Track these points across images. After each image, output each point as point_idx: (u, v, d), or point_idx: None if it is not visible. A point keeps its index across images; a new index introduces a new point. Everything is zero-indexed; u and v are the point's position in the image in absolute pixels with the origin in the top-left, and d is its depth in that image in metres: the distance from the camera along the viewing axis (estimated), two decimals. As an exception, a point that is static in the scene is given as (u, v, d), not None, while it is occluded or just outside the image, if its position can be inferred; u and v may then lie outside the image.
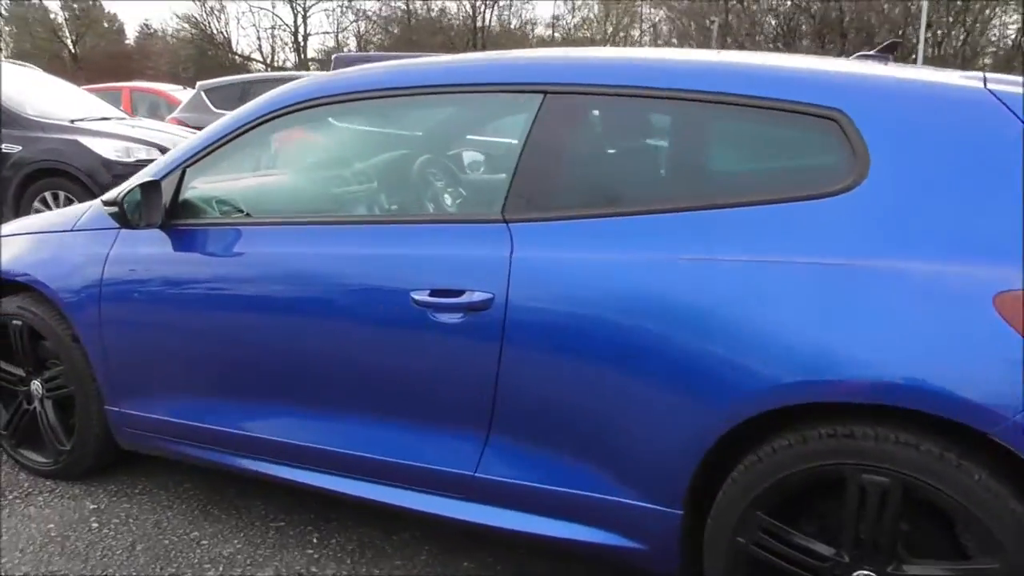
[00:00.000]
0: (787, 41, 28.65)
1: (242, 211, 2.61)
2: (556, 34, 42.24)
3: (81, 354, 2.81)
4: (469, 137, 3.19)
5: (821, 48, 27.02)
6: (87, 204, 3.00)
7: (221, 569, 2.46)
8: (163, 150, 7.65)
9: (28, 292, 2.91)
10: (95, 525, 2.72)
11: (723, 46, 28.91)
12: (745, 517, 1.85)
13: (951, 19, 27.51)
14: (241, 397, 2.51)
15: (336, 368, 2.32)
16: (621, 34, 43.87)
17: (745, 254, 1.86)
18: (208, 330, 2.50)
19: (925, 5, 22.79)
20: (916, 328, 1.69)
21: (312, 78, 2.62)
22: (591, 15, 43.37)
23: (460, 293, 2.08)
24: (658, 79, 2.06)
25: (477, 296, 2.06)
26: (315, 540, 2.62)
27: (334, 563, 2.49)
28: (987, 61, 29.00)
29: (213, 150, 2.60)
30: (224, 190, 2.69)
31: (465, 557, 2.51)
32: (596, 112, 2.13)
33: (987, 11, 28.06)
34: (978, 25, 28.41)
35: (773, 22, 29.97)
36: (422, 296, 2.12)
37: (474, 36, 32.81)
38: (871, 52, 2.41)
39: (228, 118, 2.63)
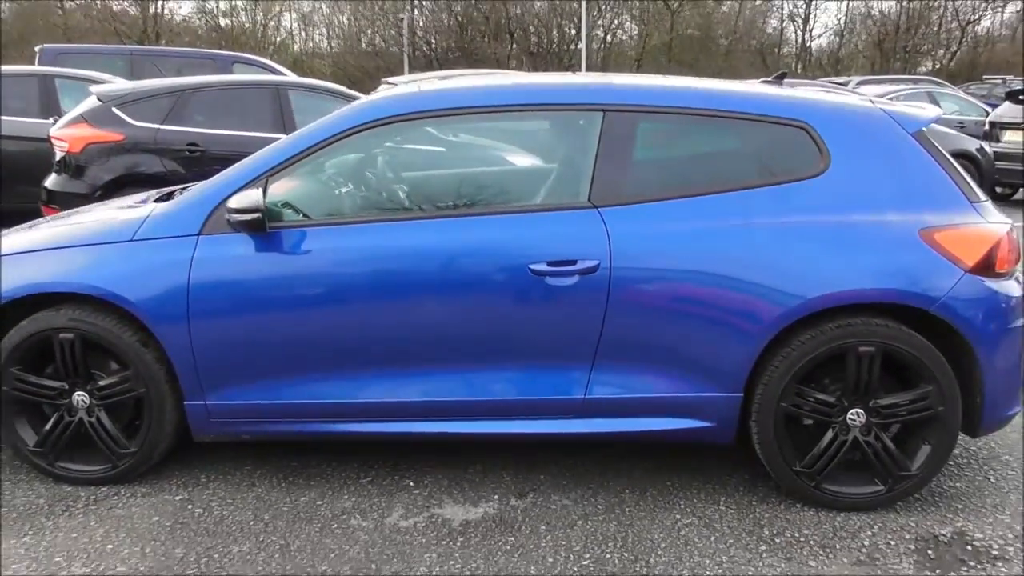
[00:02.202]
0: (462, 37, 31.16)
1: (332, 213, 3.03)
2: (202, 21, 40.17)
3: (153, 357, 2.98)
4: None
5: (496, 43, 30.25)
6: (131, 215, 3.13)
7: (359, 516, 2.90)
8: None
9: (77, 304, 2.98)
10: (199, 511, 2.95)
11: (412, 40, 30.47)
12: (786, 388, 2.85)
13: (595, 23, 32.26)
14: (354, 371, 2.94)
15: (457, 332, 2.89)
16: (272, 22, 43.05)
17: (768, 217, 2.85)
18: (324, 317, 2.90)
19: (584, 16, 26.30)
20: (878, 254, 2.82)
21: (390, 97, 3.09)
22: (238, 2, 41.86)
23: (573, 262, 2.81)
24: (690, 101, 2.97)
25: (589, 263, 2.81)
26: (411, 484, 3.14)
27: (447, 496, 3.05)
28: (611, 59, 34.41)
29: (296, 162, 2.98)
30: (303, 195, 3.05)
31: (542, 471, 3.22)
32: (646, 125, 2.97)
33: (613, 23, 34.01)
34: (610, 35, 34.18)
35: (446, 20, 32.34)
36: (540, 266, 2.81)
37: (145, 26, 30.54)
38: (769, 79, 3.53)
39: (307, 132, 3.02)
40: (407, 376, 2.95)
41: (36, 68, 9.81)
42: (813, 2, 39.82)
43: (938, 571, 2.60)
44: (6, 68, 9.48)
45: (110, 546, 2.72)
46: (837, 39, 41.38)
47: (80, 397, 3.06)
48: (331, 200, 3.18)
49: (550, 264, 2.82)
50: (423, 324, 2.91)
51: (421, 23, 33.01)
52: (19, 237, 3.34)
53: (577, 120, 3.04)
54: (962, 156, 9.58)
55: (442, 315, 2.89)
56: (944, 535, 2.81)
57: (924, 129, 3.02)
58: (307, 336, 2.93)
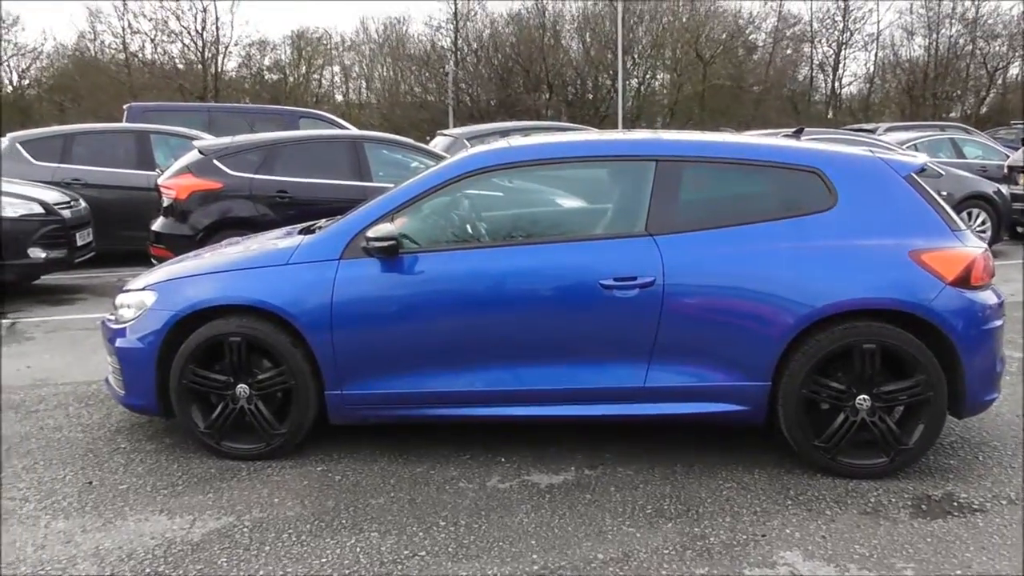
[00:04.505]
0: (503, 87, 32.80)
1: (436, 242, 3.84)
2: (246, 71, 41.83)
3: (301, 355, 3.79)
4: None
5: (535, 93, 31.99)
6: (283, 244, 3.98)
7: (465, 481, 3.66)
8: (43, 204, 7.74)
9: (245, 313, 3.80)
10: (338, 477, 3.73)
11: (456, 92, 32.08)
12: (806, 378, 3.58)
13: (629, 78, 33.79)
14: (461, 366, 3.72)
15: (541, 334, 3.67)
16: (315, 75, 44.78)
17: (789, 243, 3.61)
18: (434, 323, 3.69)
19: (620, 68, 27.64)
20: (876, 270, 3.56)
21: (487, 151, 3.94)
22: (283, 57, 43.63)
23: (634, 278, 3.59)
24: (725, 152, 3.78)
25: (647, 279, 3.59)
26: (503, 459, 3.89)
27: (532, 468, 3.80)
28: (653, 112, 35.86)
29: (414, 202, 3.82)
30: (414, 228, 3.86)
31: (607, 449, 3.96)
32: (690, 171, 3.77)
33: (647, 73, 35.53)
34: (644, 85, 35.72)
35: (486, 73, 34.01)
36: (608, 281, 3.60)
37: (206, 83, 32.49)
38: (789, 132, 4.32)
39: (423, 177, 3.88)
40: (498, 370, 3.72)
41: (133, 125, 10.92)
42: (842, 51, 40.73)
43: (928, 518, 3.29)
44: (109, 125, 10.62)
45: (276, 499, 3.51)
46: (867, 86, 42.18)
47: (242, 388, 3.87)
48: (435, 231, 3.98)
49: (616, 280, 3.60)
50: (512, 328, 3.69)
51: (462, 75, 34.67)
52: (186, 264, 4.21)
53: (636, 168, 3.84)
54: (980, 198, 10.24)
55: (528, 321, 3.67)
56: (936, 495, 3.50)
57: (914, 173, 3.78)
58: (420, 338, 3.71)
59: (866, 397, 3.59)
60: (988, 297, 3.64)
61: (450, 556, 3.02)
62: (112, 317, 4.15)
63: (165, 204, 7.79)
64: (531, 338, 3.69)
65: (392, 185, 4.78)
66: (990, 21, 37.95)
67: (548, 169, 3.99)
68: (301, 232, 4.21)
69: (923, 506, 3.41)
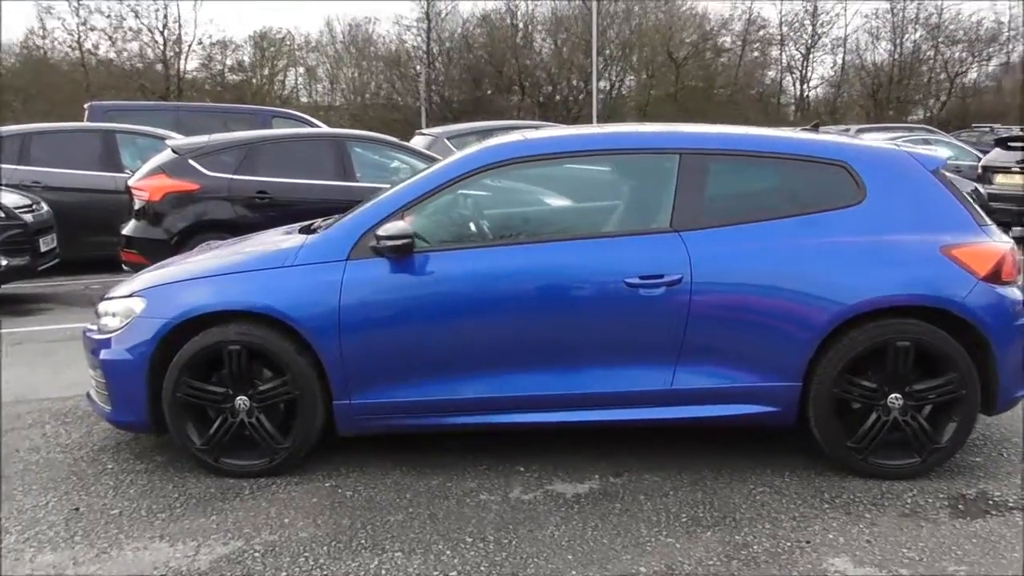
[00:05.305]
0: (475, 88, 32.66)
1: (446, 240, 3.65)
2: (206, 72, 40.94)
3: (307, 363, 3.56)
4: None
5: (507, 93, 31.89)
6: (285, 244, 3.75)
7: (486, 493, 3.47)
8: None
9: (245, 320, 3.56)
10: (349, 493, 3.51)
11: (428, 95, 31.82)
12: (838, 377, 3.45)
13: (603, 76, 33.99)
14: (478, 371, 3.53)
15: (563, 336, 3.49)
16: (279, 77, 44.06)
17: (819, 239, 3.48)
18: (449, 325, 3.49)
19: (594, 69, 27.63)
20: (909, 266, 3.45)
21: (502, 144, 3.76)
22: (246, 58, 42.85)
23: (661, 276, 3.43)
24: (751, 145, 3.64)
25: (673, 276, 3.43)
26: (522, 469, 3.70)
27: (555, 477, 3.62)
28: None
29: (425, 199, 3.63)
30: (423, 226, 3.65)
31: (631, 456, 3.79)
32: (716, 164, 3.63)
33: (618, 75, 35.74)
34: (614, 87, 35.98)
35: (457, 74, 33.83)
36: (633, 280, 3.44)
37: (168, 83, 31.76)
38: (808, 127, 4.21)
39: (436, 171, 3.69)
40: (518, 374, 3.53)
41: (98, 124, 10.48)
42: (810, 54, 41.29)
43: (968, 518, 3.18)
44: (72, 124, 10.20)
45: (286, 520, 3.28)
46: (833, 90, 42.74)
47: (242, 400, 3.62)
48: (450, 230, 3.79)
49: (642, 278, 3.44)
50: (532, 329, 3.51)
51: (433, 76, 34.48)
52: (177, 268, 3.96)
53: (658, 161, 3.69)
54: (959, 195, 10.28)
55: (549, 322, 3.49)
56: (970, 494, 3.40)
57: (940, 167, 3.69)
58: (435, 342, 3.51)
59: (898, 396, 3.47)
60: (1016, 294, 3.55)
61: (483, 575, 2.83)
62: (95, 327, 3.87)
63: (137, 207, 7.43)
64: (553, 339, 3.51)
65: (381, 185, 4.57)
66: (951, 26, 38.82)
67: (567, 162, 3.82)
68: (302, 231, 3.99)
69: (960, 506, 3.30)
